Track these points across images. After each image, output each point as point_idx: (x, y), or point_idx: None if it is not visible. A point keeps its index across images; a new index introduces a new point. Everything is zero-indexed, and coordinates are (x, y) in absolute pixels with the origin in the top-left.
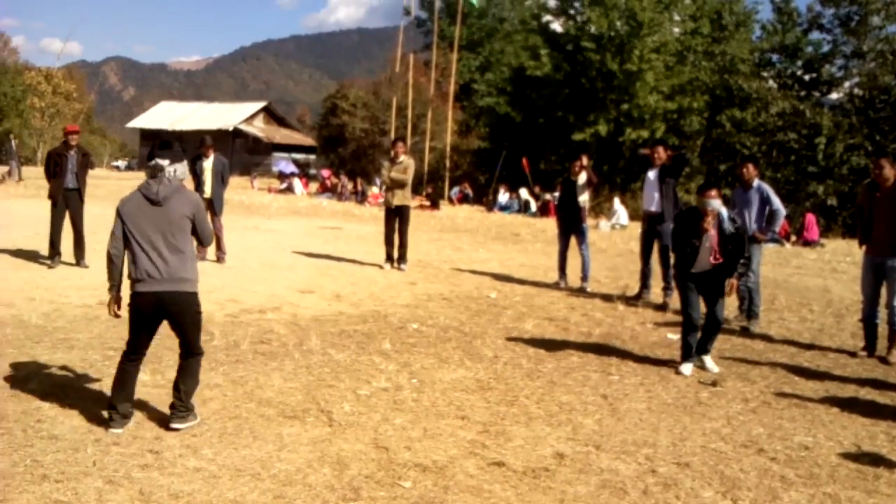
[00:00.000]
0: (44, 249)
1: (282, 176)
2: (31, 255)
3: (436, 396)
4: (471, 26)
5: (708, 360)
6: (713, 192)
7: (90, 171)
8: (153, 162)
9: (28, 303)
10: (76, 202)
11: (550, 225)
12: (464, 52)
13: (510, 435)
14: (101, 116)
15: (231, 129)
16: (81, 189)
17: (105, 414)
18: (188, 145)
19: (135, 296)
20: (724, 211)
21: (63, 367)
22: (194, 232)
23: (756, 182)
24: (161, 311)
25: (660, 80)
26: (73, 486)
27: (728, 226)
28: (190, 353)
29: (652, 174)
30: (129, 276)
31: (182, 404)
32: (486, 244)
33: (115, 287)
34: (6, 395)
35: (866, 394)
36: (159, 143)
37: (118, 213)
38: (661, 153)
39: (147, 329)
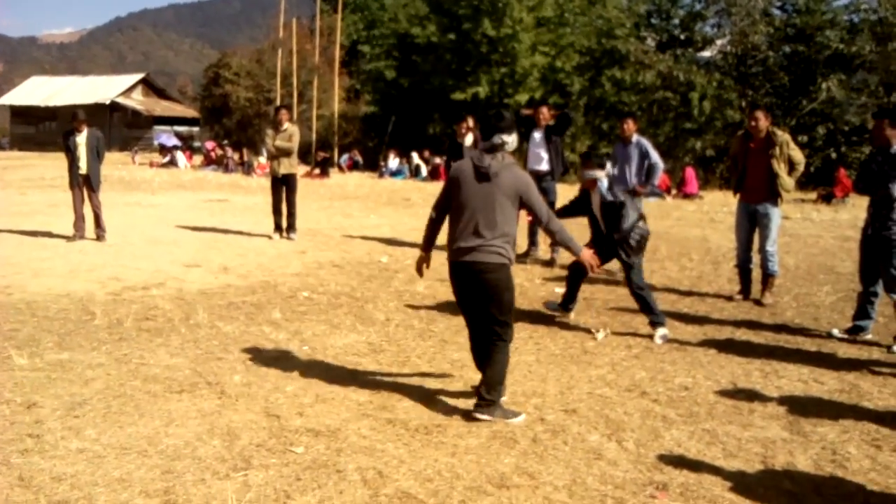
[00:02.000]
0: None
1: (164, 149)
2: None
3: (327, 362)
4: None
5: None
6: (589, 164)
7: None
8: (496, 139)
9: None
10: None
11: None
12: (348, 14)
13: (402, 395)
14: None
15: (108, 102)
16: None
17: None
18: (61, 121)
19: (453, 266)
20: (603, 182)
21: None
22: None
23: (635, 137)
24: (475, 281)
25: (539, 42)
26: None
27: (606, 195)
28: (494, 332)
29: (538, 134)
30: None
31: (481, 393)
32: (377, 210)
33: (425, 249)
34: None
35: (742, 335)
36: (494, 115)
37: (447, 181)
38: (546, 113)
39: (465, 299)
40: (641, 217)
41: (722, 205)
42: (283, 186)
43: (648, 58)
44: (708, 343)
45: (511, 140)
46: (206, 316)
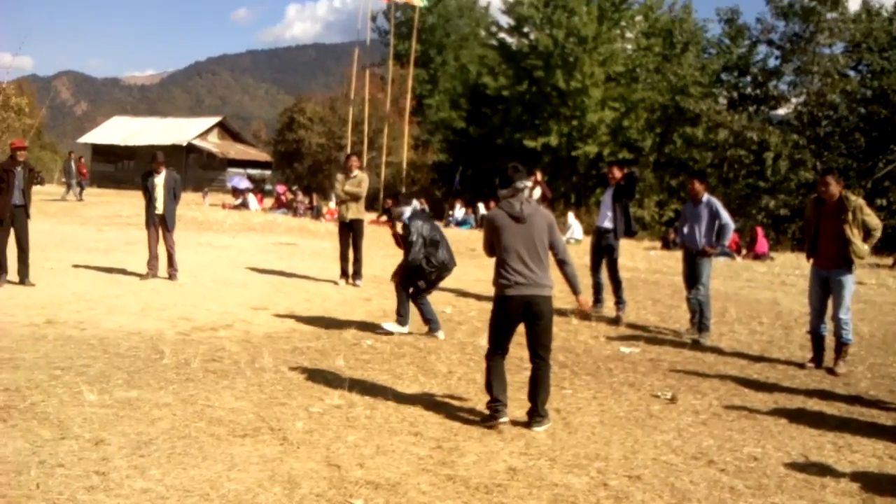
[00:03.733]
0: None
1: (236, 191)
2: None
3: (389, 413)
4: (424, 42)
5: None
6: (396, 203)
7: (39, 187)
8: (519, 184)
9: None
10: (22, 219)
11: None
12: (418, 69)
13: (463, 450)
14: (53, 131)
15: (185, 144)
16: (27, 205)
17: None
18: (140, 160)
19: (505, 299)
20: (406, 213)
21: (7, 388)
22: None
23: (705, 197)
24: (527, 312)
25: (608, 97)
26: None
27: (406, 221)
28: (541, 358)
29: (608, 193)
30: (495, 280)
31: (537, 411)
32: None
33: None
34: None
35: (814, 405)
36: (512, 167)
37: (488, 228)
38: (616, 173)
39: (512, 329)
40: (435, 247)
41: (794, 267)
42: (350, 232)
43: (722, 117)
44: (778, 412)
45: (527, 185)
46: (271, 360)
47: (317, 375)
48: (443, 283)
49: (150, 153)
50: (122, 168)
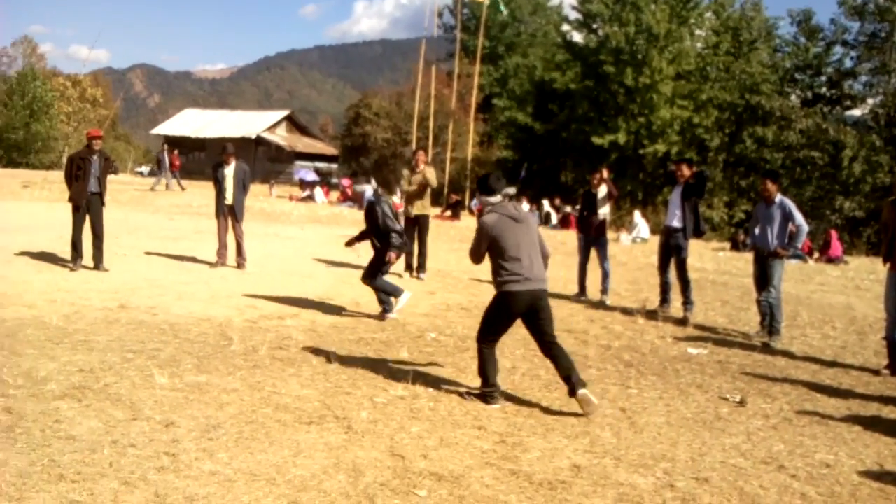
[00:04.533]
0: (65, 252)
1: (303, 184)
2: (52, 258)
3: (452, 406)
4: (492, 39)
5: None
6: (358, 181)
7: (113, 176)
8: (508, 191)
9: (49, 305)
10: (97, 206)
11: (570, 237)
12: (485, 65)
13: (527, 446)
14: (126, 123)
15: (254, 137)
16: (103, 193)
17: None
18: (210, 152)
19: (512, 295)
20: (368, 191)
21: (82, 369)
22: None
23: (778, 198)
24: (532, 307)
25: (678, 94)
26: (90, 487)
27: (372, 199)
28: (551, 341)
29: (676, 191)
30: (501, 278)
31: (573, 380)
32: None
33: None
34: (26, 395)
35: (889, 412)
36: (494, 177)
37: (487, 232)
38: (685, 171)
39: (513, 322)
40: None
41: (869, 272)
42: (415, 226)
43: (795, 112)
44: (852, 419)
45: (512, 190)
46: (336, 349)
47: (381, 366)
48: None
49: (221, 145)
50: (193, 159)
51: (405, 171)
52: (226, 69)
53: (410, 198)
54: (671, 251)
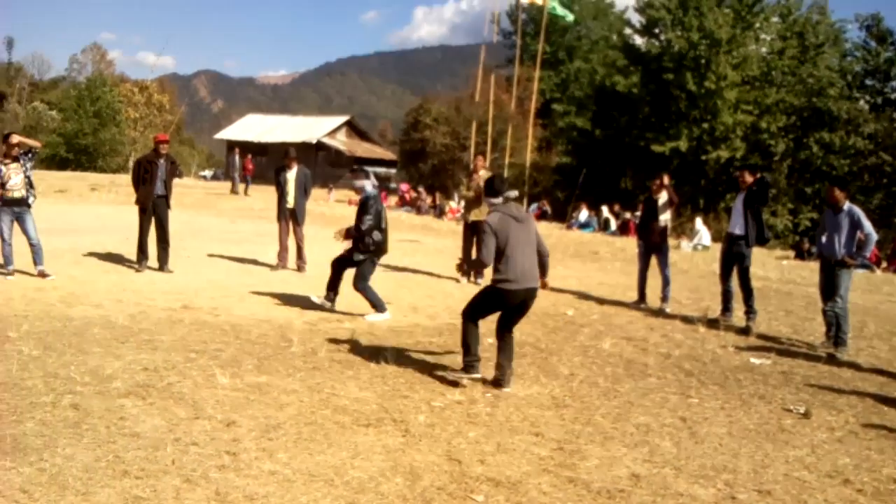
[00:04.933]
0: (132, 254)
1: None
2: (119, 259)
3: (510, 411)
4: (553, 44)
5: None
6: (355, 175)
7: (177, 180)
8: (510, 193)
9: (115, 304)
10: (164, 209)
11: (630, 244)
12: (545, 70)
13: (585, 454)
14: (191, 128)
15: (314, 142)
16: (168, 196)
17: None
18: (272, 157)
19: (509, 293)
20: (367, 186)
21: (146, 368)
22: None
23: (846, 205)
24: (522, 303)
25: (742, 100)
26: (153, 484)
27: (370, 192)
28: (510, 332)
29: (739, 198)
30: (500, 275)
31: (508, 371)
32: (564, 261)
33: None
34: (92, 392)
35: None
36: (499, 178)
37: (495, 232)
38: (746, 177)
39: (510, 311)
40: (380, 230)
41: None
42: (473, 233)
43: (863, 115)
44: None
45: (514, 193)
46: (394, 353)
47: (438, 371)
48: (565, 285)
49: (282, 150)
50: (254, 163)
51: (465, 180)
52: (287, 75)
53: (469, 204)
54: (734, 259)
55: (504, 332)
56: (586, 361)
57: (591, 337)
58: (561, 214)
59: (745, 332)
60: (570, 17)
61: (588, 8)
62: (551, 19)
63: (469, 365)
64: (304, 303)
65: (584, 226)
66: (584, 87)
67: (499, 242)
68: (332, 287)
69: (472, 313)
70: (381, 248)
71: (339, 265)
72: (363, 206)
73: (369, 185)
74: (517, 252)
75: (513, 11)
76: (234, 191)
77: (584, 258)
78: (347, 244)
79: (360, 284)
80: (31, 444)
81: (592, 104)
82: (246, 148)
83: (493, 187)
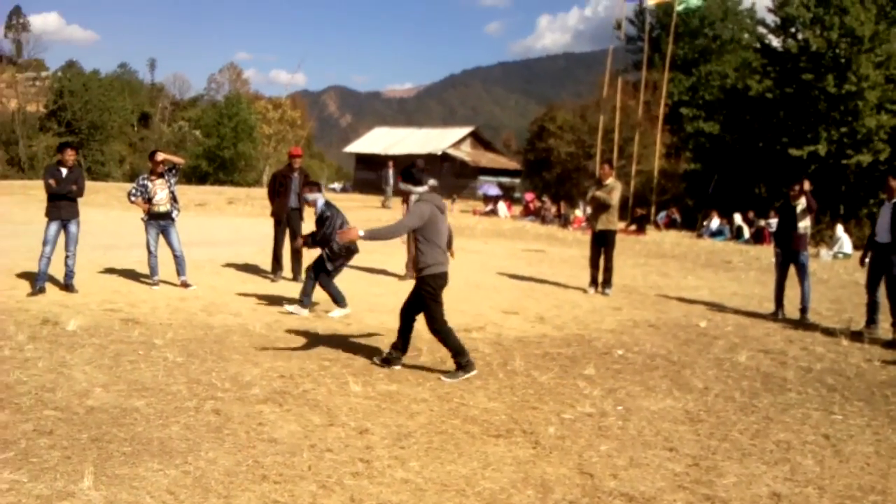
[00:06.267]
0: (267, 264)
1: (487, 198)
2: (255, 269)
3: (642, 425)
4: (683, 46)
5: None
6: (308, 189)
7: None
8: (432, 182)
9: (252, 313)
10: (297, 221)
11: (765, 252)
12: (676, 72)
13: (722, 471)
14: (320, 142)
15: (440, 153)
16: (302, 208)
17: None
18: (398, 169)
19: (443, 275)
20: (320, 200)
21: (282, 375)
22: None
23: None
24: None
25: (886, 100)
26: (290, 489)
27: (323, 210)
28: (416, 318)
29: (887, 206)
30: (430, 261)
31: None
32: (695, 271)
33: None
34: (232, 399)
35: None
36: (417, 168)
37: (429, 215)
38: (894, 184)
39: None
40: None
41: None
42: (601, 243)
43: None
44: None
45: (434, 181)
46: (522, 363)
47: (567, 382)
48: (695, 296)
49: (409, 162)
50: (383, 176)
51: (592, 187)
52: (413, 88)
53: (595, 212)
54: (881, 269)
55: (411, 320)
56: (721, 375)
57: (726, 349)
58: (691, 222)
59: (892, 345)
60: (700, 2)
61: (716, 8)
62: (680, 20)
63: (468, 363)
64: None
65: (715, 234)
66: (714, 90)
67: (429, 231)
68: (335, 299)
69: (436, 320)
70: (351, 251)
71: (315, 271)
72: (320, 222)
73: (321, 199)
74: (442, 240)
75: (639, 14)
76: (385, 205)
77: (716, 267)
78: (317, 250)
79: (324, 281)
80: (176, 447)
81: (722, 108)
82: (374, 160)
83: (413, 176)
